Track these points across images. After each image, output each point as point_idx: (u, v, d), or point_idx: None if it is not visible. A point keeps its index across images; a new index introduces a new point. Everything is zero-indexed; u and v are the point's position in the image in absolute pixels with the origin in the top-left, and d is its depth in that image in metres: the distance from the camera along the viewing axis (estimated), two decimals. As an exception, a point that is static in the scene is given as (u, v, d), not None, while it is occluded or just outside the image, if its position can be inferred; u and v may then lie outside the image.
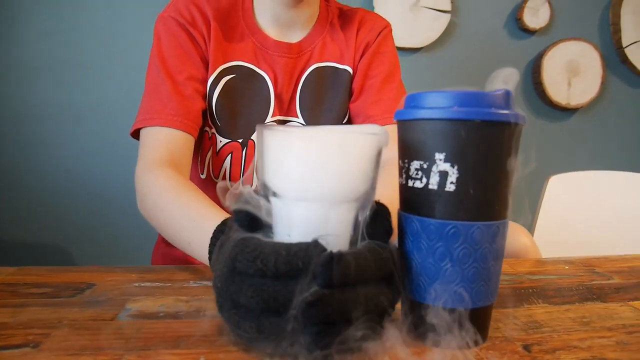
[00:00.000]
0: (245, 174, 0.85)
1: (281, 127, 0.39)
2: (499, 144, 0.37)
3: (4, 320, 0.43)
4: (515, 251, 0.77)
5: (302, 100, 0.87)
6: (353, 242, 0.40)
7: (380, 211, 0.40)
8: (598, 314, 0.48)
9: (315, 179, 0.37)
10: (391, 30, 0.94)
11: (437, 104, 0.38)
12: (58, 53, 1.65)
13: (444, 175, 0.37)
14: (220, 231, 0.49)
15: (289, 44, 0.86)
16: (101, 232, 1.72)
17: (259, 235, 0.38)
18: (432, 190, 0.38)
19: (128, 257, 1.66)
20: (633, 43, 1.99)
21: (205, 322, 0.44)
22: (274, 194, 0.39)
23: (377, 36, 0.91)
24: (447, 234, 0.37)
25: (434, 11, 1.81)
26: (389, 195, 0.46)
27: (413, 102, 0.40)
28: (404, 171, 0.40)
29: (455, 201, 0.37)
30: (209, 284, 0.56)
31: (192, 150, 0.79)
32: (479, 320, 0.39)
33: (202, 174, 0.88)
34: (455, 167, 0.37)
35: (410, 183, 0.39)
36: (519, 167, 0.39)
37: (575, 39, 1.95)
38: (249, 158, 0.85)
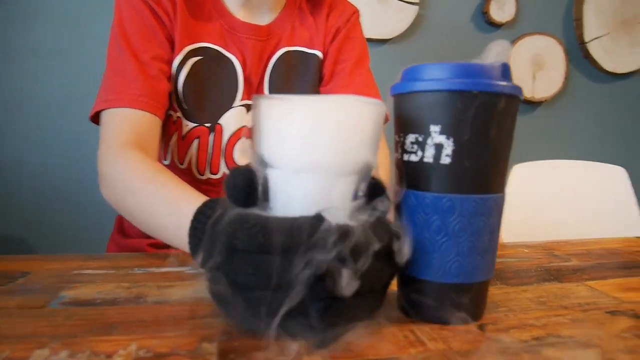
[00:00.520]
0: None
1: (281, 96, 0.37)
2: (495, 116, 0.36)
3: None
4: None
5: (271, 84, 0.85)
6: (352, 215, 0.38)
7: (378, 184, 0.39)
8: (555, 293, 0.47)
9: (319, 149, 0.36)
10: (359, 15, 0.93)
11: (432, 76, 0.37)
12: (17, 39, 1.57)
13: (439, 147, 0.36)
14: (201, 213, 0.45)
15: (258, 26, 0.83)
16: (56, 222, 1.65)
17: (256, 211, 0.36)
18: (427, 163, 0.37)
19: (82, 248, 1.60)
20: (595, 39, 2.02)
21: (143, 309, 0.41)
22: (272, 167, 0.37)
23: (348, 21, 0.90)
24: (442, 208, 0.37)
25: (402, 3, 1.80)
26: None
27: (409, 75, 0.39)
28: (400, 145, 0.39)
29: (451, 174, 0.36)
30: (156, 270, 0.53)
31: (159, 133, 0.74)
32: (476, 295, 0.39)
33: (166, 160, 0.85)
34: (451, 140, 0.36)
35: (406, 157, 0.39)
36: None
37: (540, 33, 1.97)
38: (217, 144, 0.82)
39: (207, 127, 0.81)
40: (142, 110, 0.71)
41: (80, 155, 1.62)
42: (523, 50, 1.95)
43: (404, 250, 0.37)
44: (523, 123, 1.98)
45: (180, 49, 0.77)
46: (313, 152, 0.36)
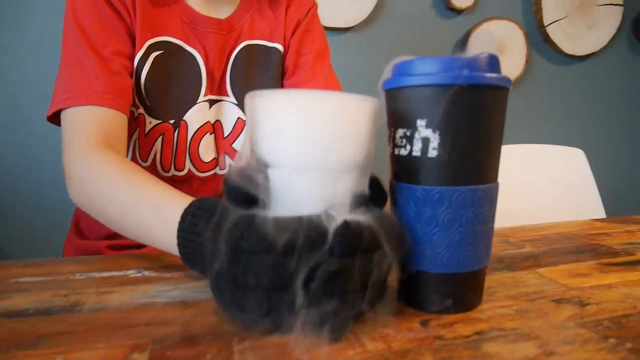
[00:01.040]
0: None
1: (279, 91, 0.37)
2: (478, 108, 0.37)
3: None
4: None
5: (232, 79, 0.83)
6: (356, 210, 0.38)
7: (376, 179, 0.40)
8: (504, 283, 0.47)
9: (321, 147, 0.36)
10: (317, 8, 0.93)
11: (416, 71, 0.38)
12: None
13: (426, 141, 0.37)
14: (189, 214, 0.44)
15: (219, 20, 0.81)
16: (7, 225, 1.59)
17: (259, 211, 0.36)
18: (415, 157, 0.38)
19: (36, 251, 1.55)
20: (554, 22, 2.05)
21: (76, 318, 0.39)
22: (273, 166, 0.37)
23: (307, 14, 0.89)
24: (432, 200, 0.38)
25: (361, -11, 1.78)
26: None
27: (397, 70, 0.40)
28: (391, 139, 0.40)
29: (438, 167, 0.37)
30: (97, 275, 0.51)
31: (127, 130, 0.72)
32: (468, 284, 0.40)
33: (127, 157, 0.81)
34: (437, 133, 0.37)
35: (396, 151, 0.40)
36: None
37: (500, 18, 1.98)
38: (181, 140, 0.80)
39: (171, 123, 0.79)
40: (108, 107, 0.68)
41: (34, 155, 1.56)
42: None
43: (405, 244, 0.39)
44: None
45: (142, 44, 0.75)
46: (315, 150, 0.36)
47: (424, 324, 0.37)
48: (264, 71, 0.86)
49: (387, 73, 0.41)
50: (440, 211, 0.37)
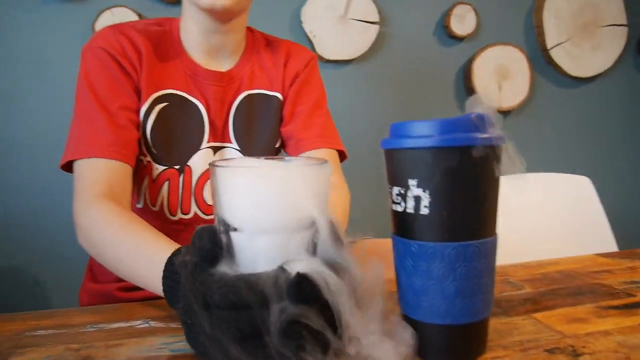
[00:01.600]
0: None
1: (231, 163, 0.42)
2: (465, 168, 0.38)
3: None
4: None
5: (235, 127, 0.89)
6: (310, 263, 0.41)
7: (334, 229, 0.42)
8: (499, 330, 0.48)
9: (272, 213, 0.40)
10: (317, 60, 0.99)
11: (409, 133, 0.40)
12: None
13: (417, 199, 0.40)
14: (171, 263, 0.49)
15: (220, 73, 0.87)
16: (26, 272, 1.62)
17: (223, 269, 0.40)
18: (409, 213, 0.40)
19: (54, 299, 1.62)
20: (557, 45, 2.07)
21: (86, 377, 0.41)
22: (234, 229, 0.41)
23: (306, 67, 0.95)
24: (426, 254, 0.40)
25: (363, 23, 1.82)
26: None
27: (394, 131, 0.43)
28: (390, 196, 0.43)
29: (430, 224, 0.39)
30: (107, 326, 0.53)
31: (131, 180, 0.78)
32: (465, 336, 0.41)
33: (139, 203, 0.87)
34: (427, 192, 0.39)
35: (394, 207, 0.42)
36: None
37: (502, 43, 2.00)
38: (187, 184, 0.85)
39: (177, 169, 0.85)
40: (113, 159, 0.74)
41: (51, 202, 1.60)
42: (487, 61, 1.98)
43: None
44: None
45: (147, 97, 0.81)
46: (267, 216, 0.40)
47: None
48: (264, 118, 0.91)
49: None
50: (434, 265, 0.39)
